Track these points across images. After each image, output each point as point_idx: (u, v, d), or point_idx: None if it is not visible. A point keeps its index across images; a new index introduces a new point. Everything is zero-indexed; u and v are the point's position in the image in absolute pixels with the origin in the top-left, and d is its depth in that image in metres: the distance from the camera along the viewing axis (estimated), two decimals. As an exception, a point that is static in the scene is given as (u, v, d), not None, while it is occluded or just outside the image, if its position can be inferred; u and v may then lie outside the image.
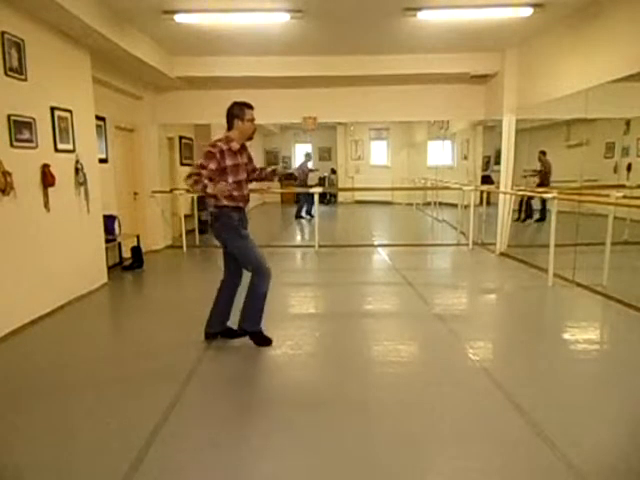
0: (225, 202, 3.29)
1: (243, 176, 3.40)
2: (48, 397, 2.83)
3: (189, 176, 3.19)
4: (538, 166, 9.09)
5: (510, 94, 6.68)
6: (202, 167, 3.20)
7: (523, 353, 3.45)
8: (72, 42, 4.76)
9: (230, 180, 3.29)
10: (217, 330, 3.63)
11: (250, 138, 3.47)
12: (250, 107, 3.38)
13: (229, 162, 3.29)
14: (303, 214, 11.96)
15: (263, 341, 3.52)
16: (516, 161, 7.02)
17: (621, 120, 7.41)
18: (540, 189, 7.82)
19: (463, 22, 5.34)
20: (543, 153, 9.05)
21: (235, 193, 3.32)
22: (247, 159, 3.50)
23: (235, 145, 3.34)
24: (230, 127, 3.38)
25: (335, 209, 14.91)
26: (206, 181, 3.17)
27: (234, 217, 3.34)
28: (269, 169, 3.68)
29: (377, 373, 3.16)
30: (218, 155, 3.24)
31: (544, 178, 8.88)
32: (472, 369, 3.12)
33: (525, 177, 8.75)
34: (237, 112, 3.34)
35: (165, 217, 7.81)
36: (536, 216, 9.39)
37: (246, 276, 3.51)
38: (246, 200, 3.44)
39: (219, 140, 3.32)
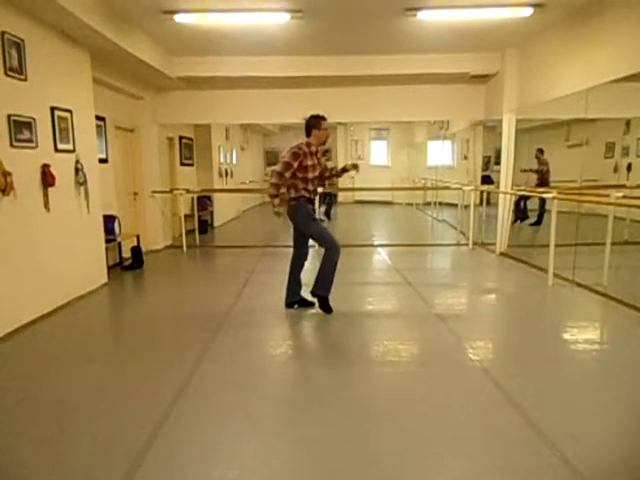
0: (303, 194, 4.11)
1: (316, 174, 4.19)
2: (49, 396, 2.83)
3: (279, 177, 4.02)
4: (536, 165, 8.95)
5: (510, 94, 6.68)
6: (289, 165, 4.03)
7: (523, 353, 3.45)
8: (72, 42, 4.76)
9: (309, 176, 4.10)
10: (295, 299, 4.42)
11: (323, 143, 4.28)
12: (324, 119, 4.22)
13: (309, 162, 4.11)
14: (325, 214, 11.48)
15: (327, 307, 4.23)
16: (516, 161, 7.02)
17: (621, 120, 7.40)
18: (540, 189, 7.81)
19: (463, 22, 5.34)
20: (541, 151, 8.94)
21: (310, 187, 4.15)
22: (318, 161, 4.27)
23: (313, 148, 4.18)
24: (308, 134, 4.20)
25: (335, 209, 14.89)
26: (283, 190, 4.10)
27: (308, 207, 4.19)
28: (339, 168, 4.54)
29: (377, 373, 3.16)
30: (301, 155, 4.07)
31: (543, 178, 8.78)
32: (472, 369, 3.12)
33: (525, 171, 8.62)
34: (314, 123, 4.18)
35: (165, 217, 7.81)
36: (531, 219, 8.92)
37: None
38: (316, 193, 4.33)
39: (302, 144, 4.13)
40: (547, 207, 8.40)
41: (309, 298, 4.38)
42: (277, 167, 4.09)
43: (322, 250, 4.23)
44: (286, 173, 4.03)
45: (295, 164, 4.04)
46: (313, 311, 4.42)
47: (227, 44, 6.17)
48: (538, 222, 8.71)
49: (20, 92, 4.02)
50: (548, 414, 2.52)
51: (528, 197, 8.17)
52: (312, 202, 4.26)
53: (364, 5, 4.86)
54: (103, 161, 5.92)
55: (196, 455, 2.21)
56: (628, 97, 5.86)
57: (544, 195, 5.44)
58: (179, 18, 5.04)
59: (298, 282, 4.43)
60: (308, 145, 4.15)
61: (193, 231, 8.37)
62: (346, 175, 4.79)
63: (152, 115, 7.46)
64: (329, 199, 11.26)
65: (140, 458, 2.18)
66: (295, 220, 4.23)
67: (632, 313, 4.18)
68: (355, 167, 4.48)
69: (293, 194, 4.13)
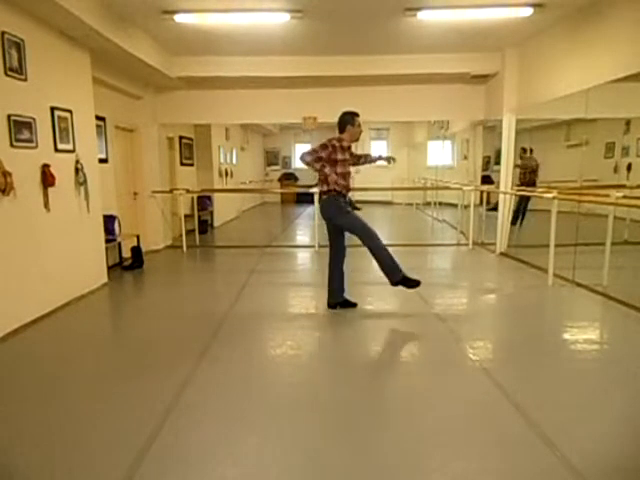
0: (334, 187, 4.07)
1: (348, 169, 4.19)
2: (49, 395, 2.83)
3: (304, 155, 4.05)
4: (519, 163, 8.44)
5: (510, 94, 6.68)
6: (314, 151, 4.05)
7: (523, 353, 3.45)
8: (72, 42, 4.76)
9: (339, 170, 4.07)
10: (338, 301, 4.35)
11: (356, 139, 4.24)
12: (357, 115, 4.18)
13: (340, 156, 4.08)
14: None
15: (412, 283, 4.16)
16: (516, 161, 7.01)
17: (621, 120, 7.40)
18: (540, 189, 7.79)
19: (463, 22, 5.35)
20: (524, 150, 8.51)
21: (341, 182, 4.10)
22: (350, 156, 4.26)
23: (345, 144, 4.14)
24: (342, 131, 4.17)
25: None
26: (326, 170, 4.08)
27: (340, 200, 4.12)
28: (373, 157, 4.64)
29: (377, 373, 3.16)
30: (330, 148, 4.03)
31: (528, 176, 8.41)
32: (472, 369, 3.12)
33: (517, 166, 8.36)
34: (348, 119, 4.15)
35: (165, 217, 7.81)
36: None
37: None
38: (348, 189, 4.22)
39: (333, 138, 4.11)
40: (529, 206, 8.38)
41: (351, 299, 4.42)
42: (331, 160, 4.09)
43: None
44: (307, 157, 4.03)
45: (322, 154, 4.02)
46: (313, 312, 4.43)
47: (227, 44, 6.17)
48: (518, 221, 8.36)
49: (20, 92, 4.02)
50: (548, 414, 2.52)
51: (528, 198, 8.08)
52: (344, 196, 4.18)
53: (364, 5, 4.86)
54: (103, 161, 5.92)
55: (195, 456, 2.21)
56: (628, 97, 5.85)
57: (544, 195, 5.42)
58: (179, 18, 5.04)
59: (340, 282, 4.36)
60: (339, 140, 4.12)
61: (193, 231, 8.37)
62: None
63: (152, 115, 7.46)
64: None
65: (140, 458, 2.17)
66: (328, 214, 4.18)
67: (632, 313, 4.18)
68: (390, 160, 4.63)
69: (325, 188, 4.12)
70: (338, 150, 4.08)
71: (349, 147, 4.22)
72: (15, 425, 2.53)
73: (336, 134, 4.22)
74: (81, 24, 4.35)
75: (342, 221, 4.16)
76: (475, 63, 6.82)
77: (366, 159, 4.54)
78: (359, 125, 4.18)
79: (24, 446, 2.32)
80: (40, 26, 4.26)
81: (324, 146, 4.05)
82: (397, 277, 4.12)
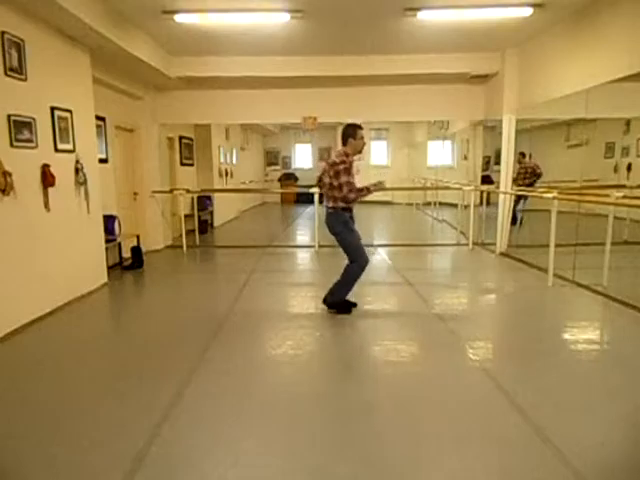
0: (341, 204, 4.07)
1: (355, 186, 4.13)
2: (49, 395, 2.83)
3: (353, 196, 4.02)
4: (516, 169, 8.48)
5: (510, 94, 6.68)
6: (350, 184, 3.99)
7: (523, 353, 3.45)
8: (72, 42, 4.76)
9: (346, 187, 4.01)
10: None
11: (359, 152, 4.19)
12: (361, 128, 4.14)
13: (349, 174, 4.06)
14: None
15: (344, 309, 4.27)
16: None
17: (621, 120, 7.40)
18: (540, 189, 7.77)
19: (463, 22, 5.35)
20: (523, 155, 8.50)
21: (350, 197, 4.07)
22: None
23: (351, 158, 4.10)
24: (344, 143, 4.13)
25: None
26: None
27: (346, 215, 4.12)
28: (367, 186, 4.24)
29: (377, 373, 3.15)
30: (350, 167, 4.04)
31: (528, 182, 8.33)
32: (472, 369, 3.12)
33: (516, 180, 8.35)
34: (351, 132, 4.08)
35: (165, 217, 7.81)
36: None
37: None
38: (354, 199, 4.15)
39: (342, 155, 4.05)
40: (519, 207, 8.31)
41: (351, 299, 4.40)
42: (337, 181, 4.00)
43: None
44: (351, 193, 4.00)
45: (351, 179, 4.02)
46: (313, 311, 4.43)
47: (227, 44, 6.17)
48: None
49: (20, 92, 4.02)
50: (548, 414, 2.52)
51: (526, 198, 8.04)
52: (350, 210, 4.18)
53: (364, 5, 4.86)
54: (103, 161, 5.92)
55: (195, 456, 2.21)
56: (628, 97, 5.85)
57: (544, 195, 5.42)
58: (179, 18, 5.04)
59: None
60: (347, 155, 4.08)
61: (193, 231, 8.37)
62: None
63: (152, 115, 7.46)
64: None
65: (140, 458, 2.17)
66: (334, 229, 4.15)
67: (632, 313, 4.18)
68: (380, 186, 4.23)
69: (331, 203, 4.12)
70: (350, 168, 4.07)
71: (352, 161, 4.18)
72: (15, 425, 2.53)
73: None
74: (81, 24, 4.35)
75: (344, 236, 4.15)
76: (475, 63, 6.82)
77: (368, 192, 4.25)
78: (362, 137, 4.13)
79: (24, 446, 2.32)
80: (40, 26, 4.26)
81: (348, 170, 4.02)
82: (338, 300, 4.27)
